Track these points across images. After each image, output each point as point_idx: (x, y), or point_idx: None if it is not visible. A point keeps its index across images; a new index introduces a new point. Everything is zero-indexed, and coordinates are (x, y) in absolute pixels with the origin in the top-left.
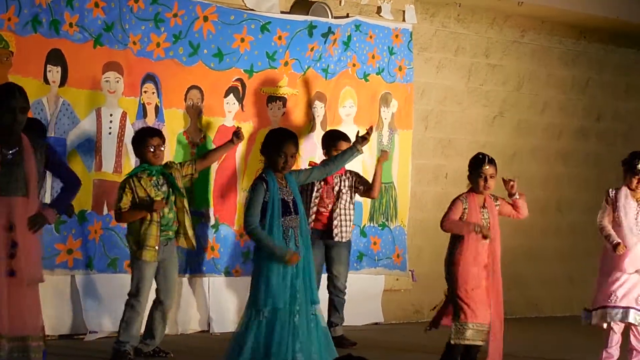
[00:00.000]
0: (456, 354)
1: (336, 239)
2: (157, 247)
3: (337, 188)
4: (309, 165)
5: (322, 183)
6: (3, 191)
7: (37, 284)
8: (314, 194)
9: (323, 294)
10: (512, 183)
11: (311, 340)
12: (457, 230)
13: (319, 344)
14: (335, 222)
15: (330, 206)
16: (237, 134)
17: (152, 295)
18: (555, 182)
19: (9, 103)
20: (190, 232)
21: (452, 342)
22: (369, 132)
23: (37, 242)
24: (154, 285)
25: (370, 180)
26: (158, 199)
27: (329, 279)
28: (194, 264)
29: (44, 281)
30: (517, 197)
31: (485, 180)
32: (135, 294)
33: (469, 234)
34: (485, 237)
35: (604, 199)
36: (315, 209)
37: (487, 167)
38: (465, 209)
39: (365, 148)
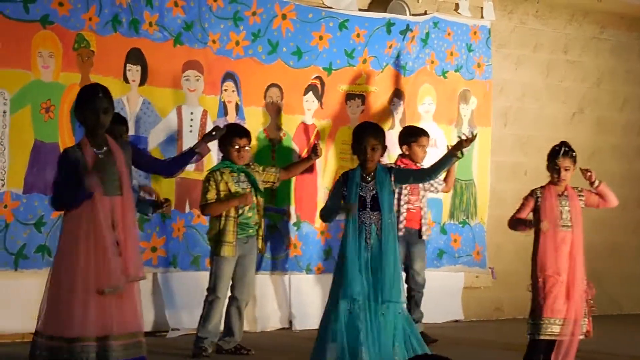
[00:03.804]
0: (539, 350)
1: (424, 237)
2: (234, 243)
3: (420, 185)
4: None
5: None
6: (105, 191)
7: (138, 281)
8: (404, 191)
9: None
10: (589, 173)
11: (381, 339)
12: (519, 228)
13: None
14: (423, 220)
15: (416, 204)
16: (315, 150)
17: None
18: (635, 179)
19: (92, 104)
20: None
21: (529, 337)
22: (471, 138)
23: (137, 241)
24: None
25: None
26: (241, 191)
27: (409, 275)
28: (276, 261)
29: (145, 278)
30: (598, 184)
31: (559, 172)
32: (213, 289)
33: (530, 229)
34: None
35: None
36: (406, 207)
37: (561, 159)
38: (538, 199)
39: None
